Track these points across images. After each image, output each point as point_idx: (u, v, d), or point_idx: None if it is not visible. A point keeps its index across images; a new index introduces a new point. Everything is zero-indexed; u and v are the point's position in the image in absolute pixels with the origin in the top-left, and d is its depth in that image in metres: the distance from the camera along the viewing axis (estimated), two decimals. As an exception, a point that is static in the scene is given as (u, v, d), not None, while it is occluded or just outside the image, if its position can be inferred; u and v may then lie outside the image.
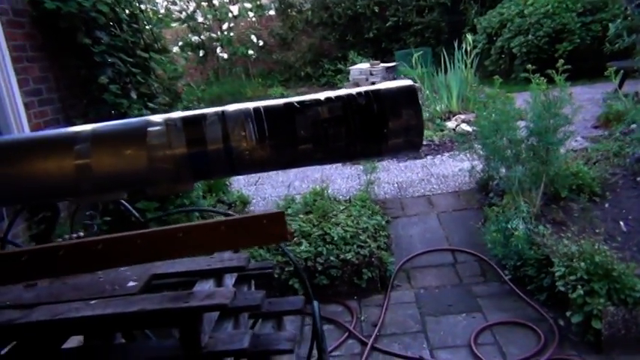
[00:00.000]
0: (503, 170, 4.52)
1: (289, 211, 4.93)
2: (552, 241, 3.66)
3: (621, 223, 4.11)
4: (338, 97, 1.40)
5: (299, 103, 1.40)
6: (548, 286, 3.62)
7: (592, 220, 3.99)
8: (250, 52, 11.20)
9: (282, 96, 11.48)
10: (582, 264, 3.08)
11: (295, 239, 4.40)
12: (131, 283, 1.64)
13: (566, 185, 4.53)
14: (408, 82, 1.46)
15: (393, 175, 5.94)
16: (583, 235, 3.71)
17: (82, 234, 2.07)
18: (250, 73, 12.09)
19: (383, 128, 1.39)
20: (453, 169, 5.75)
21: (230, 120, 1.37)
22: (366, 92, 1.40)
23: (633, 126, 5.91)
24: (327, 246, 4.23)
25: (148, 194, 1.58)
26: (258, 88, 11.24)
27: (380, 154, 1.46)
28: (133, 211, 2.05)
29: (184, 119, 1.39)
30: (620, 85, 7.13)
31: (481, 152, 4.81)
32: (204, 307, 1.43)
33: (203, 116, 1.39)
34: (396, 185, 5.59)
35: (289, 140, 1.38)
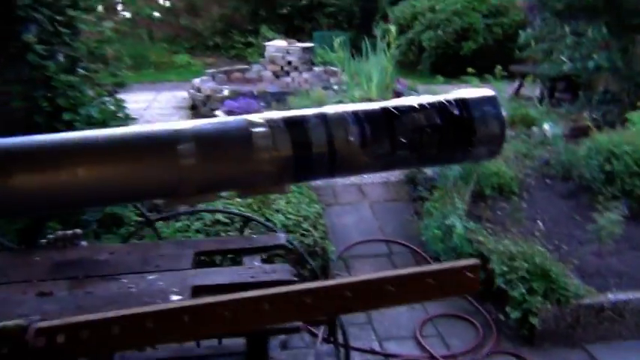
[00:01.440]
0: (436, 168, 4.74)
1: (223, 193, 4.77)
2: (489, 239, 3.93)
3: (539, 222, 4.52)
4: (432, 105, 1.41)
5: (395, 108, 1.39)
6: (482, 282, 3.89)
7: (517, 219, 4.35)
8: (156, 14, 10.49)
9: (189, 64, 10.95)
10: (525, 264, 3.35)
11: (236, 225, 4.27)
12: (174, 297, 1.50)
13: (489, 184, 4.88)
14: (490, 92, 1.49)
15: (321, 161, 5.94)
16: (508, 233, 4.05)
17: (79, 231, 1.85)
18: (154, 36, 11.34)
19: (471, 137, 1.42)
20: (379, 159, 5.89)
21: (333, 123, 1.35)
22: (456, 100, 1.42)
23: (534, 129, 6.50)
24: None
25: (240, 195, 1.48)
26: (163, 53, 10.59)
27: (462, 161, 1.49)
28: (143, 210, 1.86)
29: (286, 120, 1.33)
30: (519, 88, 7.79)
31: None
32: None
33: (304, 118, 1.35)
34: (326, 172, 5.60)
35: (389, 146, 1.38)
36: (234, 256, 2.02)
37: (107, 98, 4.38)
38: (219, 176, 1.29)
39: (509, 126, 6.98)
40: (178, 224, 4.56)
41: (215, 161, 1.26)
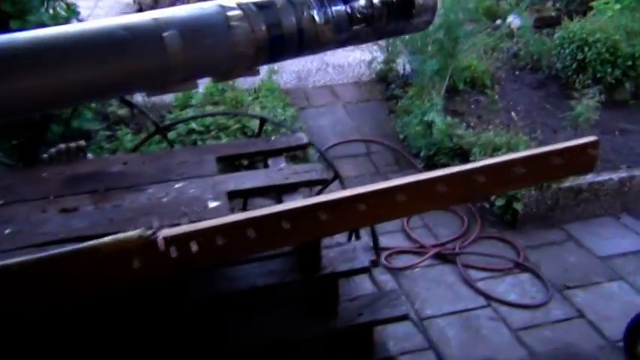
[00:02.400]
0: (415, 63, 4.66)
1: (193, 101, 4.55)
2: (468, 132, 3.98)
3: (512, 113, 4.59)
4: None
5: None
6: (463, 173, 3.99)
7: (493, 111, 4.40)
8: None
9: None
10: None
11: (212, 133, 4.13)
12: (212, 203, 1.43)
13: (462, 78, 4.87)
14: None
15: (288, 63, 5.74)
16: (485, 125, 4.12)
17: (82, 142, 1.72)
18: None
19: (411, 9, 1.56)
20: (347, 59, 5.75)
21: (299, 4, 1.39)
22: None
23: (499, 22, 6.43)
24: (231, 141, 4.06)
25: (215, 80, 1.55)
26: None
27: (404, 32, 1.81)
28: (150, 117, 1.72)
29: (257, 4, 1.34)
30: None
31: (381, 43, 4.87)
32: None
33: (273, 1, 1.38)
34: (294, 74, 5.44)
35: (348, 22, 1.47)
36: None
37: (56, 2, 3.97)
38: (203, 62, 1.29)
39: (474, 20, 6.90)
40: (128, 137, 4.37)
41: (198, 47, 1.25)
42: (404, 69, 5.08)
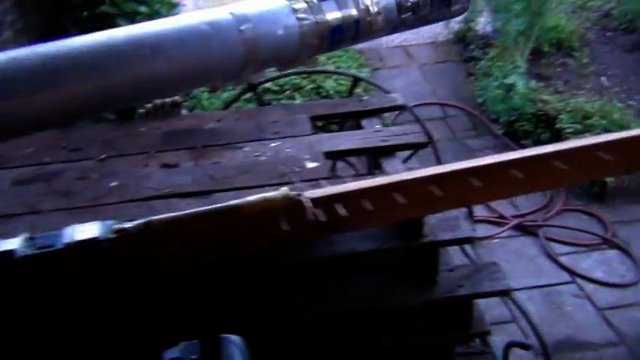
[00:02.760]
0: (498, 22, 4.42)
1: (267, 60, 4.54)
2: (554, 97, 3.75)
3: (603, 78, 4.29)
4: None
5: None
6: (547, 141, 3.79)
7: (582, 75, 4.12)
8: None
9: None
10: (603, 121, 3.21)
11: (286, 93, 4.11)
12: (310, 164, 1.39)
13: (548, 39, 4.56)
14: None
15: (362, 22, 5.57)
16: (574, 90, 3.86)
17: (178, 99, 1.71)
18: None
19: None
20: (423, 17, 5.50)
21: None
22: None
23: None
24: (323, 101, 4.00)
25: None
26: None
27: (442, 19, 1.86)
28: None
29: None
30: None
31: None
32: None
33: None
34: (368, 34, 5.27)
35: (397, 11, 1.56)
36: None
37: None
38: (275, 53, 1.39)
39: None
40: (225, 94, 4.40)
41: (272, 39, 1.34)
42: (484, 28, 4.82)
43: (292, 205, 0.69)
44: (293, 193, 0.71)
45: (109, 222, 0.69)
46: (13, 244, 0.65)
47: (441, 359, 1.48)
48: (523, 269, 2.95)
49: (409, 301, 1.35)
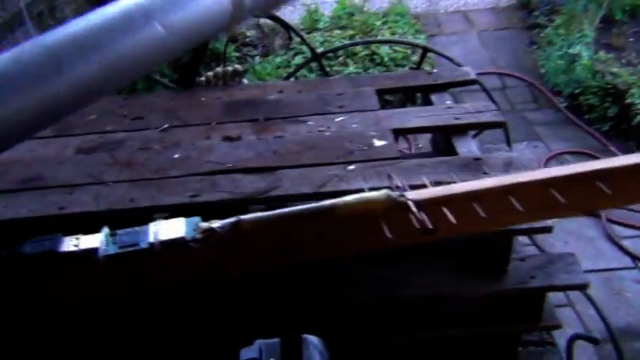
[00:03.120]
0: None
1: (320, 25, 4.40)
2: (626, 70, 3.51)
3: (680, 51, 3.98)
4: None
5: None
6: (614, 116, 3.57)
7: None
8: None
9: None
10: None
11: (340, 59, 3.99)
12: (378, 142, 1.32)
13: (621, 6, 4.26)
14: None
15: (418, -16, 5.34)
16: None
17: (239, 67, 1.65)
18: None
19: None
20: (484, -20, 5.24)
21: None
22: None
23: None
24: (377, 67, 3.88)
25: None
26: None
27: None
28: (308, 43, 1.62)
29: None
30: None
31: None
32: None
33: None
34: (425, -3, 5.06)
35: None
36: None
37: None
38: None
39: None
40: (278, 59, 4.32)
41: None
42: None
43: (394, 207, 0.63)
44: (395, 194, 0.65)
45: (195, 219, 0.65)
46: (96, 240, 0.62)
47: (506, 348, 1.42)
48: (581, 252, 2.79)
49: (477, 291, 1.28)
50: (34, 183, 1.25)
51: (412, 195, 0.64)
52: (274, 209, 1.31)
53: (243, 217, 0.62)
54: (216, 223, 0.62)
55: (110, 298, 0.65)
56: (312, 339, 0.78)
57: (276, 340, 0.74)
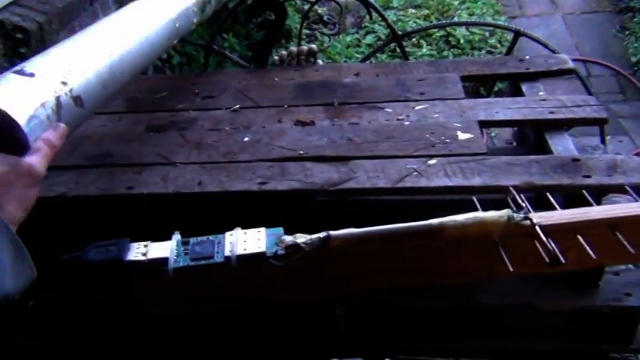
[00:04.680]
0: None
1: (394, 3, 4.25)
2: None
3: None
4: None
5: None
6: None
7: None
8: None
9: None
10: None
11: (413, 40, 3.84)
12: (463, 135, 1.21)
13: None
14: None
15: (500, -38, 5.05)
16: None
17: (314, 47, 1.57)
18: None
19: None
20: (573, -42, 4.88)
21: None
22: None
23: None
24: (452, 50, 3.70)
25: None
26: None
27: None
28: (389, 22, 1.52)
29: None
30: None
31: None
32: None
33: None
34: (507, -24, 4.78)
35: None
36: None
37: None
38: None
39: None
40: (348, 38, 4.21)
41: None
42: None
43: (516, 231, 0.54)
44: (519, 215, 0.55)
45: (277, 231, 0.58)
46: (166, 250, 0.56)
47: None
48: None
49: (562, 304, 1.16)
50: (103, 160, 1.23)
51: (538, 218, 0.54)
52: (346, 202, 1.24)
53: (333, 232, 0.54)
54: (301, 239, 0.55)
55: (177, 312, 0.59)
56: (394, 363, 0.71)
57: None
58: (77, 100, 0.96)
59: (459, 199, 1.14)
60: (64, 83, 0.94)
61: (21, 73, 0.90)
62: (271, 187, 1.12)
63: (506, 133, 3.62)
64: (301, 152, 1.21)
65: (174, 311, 0.58)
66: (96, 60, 1.04)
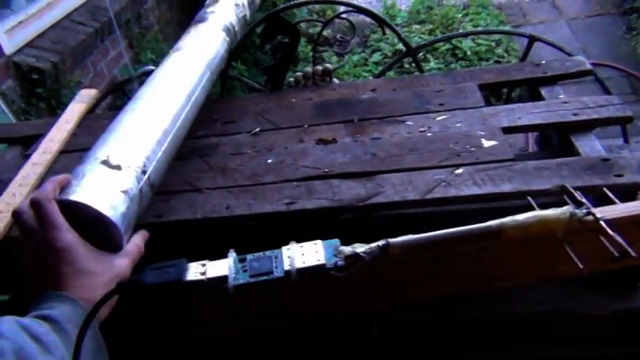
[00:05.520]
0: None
1: (398, 20, 4.28)
2: None
3: None
4: None
5: None
6: None
7: None
8: None
9: None
10: None
11: (420, 55, 3.85)
12: (488, 142, 1.20)
13: None
14: None
15: (500, -28, 5.10)
16: None
17: (329, 66, 1.58)
18: None
19: None
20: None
21: None
22: None
23: None
24: (460, 62, 3.71)
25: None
26: None
27: None
28: (403, 37, 1.52)
29: None
30: None
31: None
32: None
33: None
34: (508, -14, 4.82)
35: None
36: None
37: None
38: None
39: None
40: (355, 57, 4.25)
41: None
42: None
43: (579, 228, 0.53)
44: (581, 211, 0.54)
45: (334, 242, 0.58)
46: (224, 267, 0.56)
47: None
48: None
49: (600, 309, 1.14)
50: (130, 190, 1.23)
51: (602, 213, 0.53)
52: (373, 217, 1.23)
53: (392, 240, 0.54)
54: (360, 248, 0.54)
55: (236, 331, 0.58)
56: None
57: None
58: (152, 186, 1.04)
59: (487, 207, 1.14)
60: (144, 172, 1.00)
61: (108, 164, 0.96)
62: (299, 207, 1.12)
63: (520, 141, 3.60)
64: (326, 170, 1.21)
65: (231, 330, 0.58)
66: (161, 138, 1.12)
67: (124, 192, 0.93)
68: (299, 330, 1.20)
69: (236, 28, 1.60)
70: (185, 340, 0.64)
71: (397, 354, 1.14)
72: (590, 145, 1.19)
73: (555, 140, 1.34)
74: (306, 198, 1.14)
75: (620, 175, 1.05)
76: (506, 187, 1.07)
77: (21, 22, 2.95)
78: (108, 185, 0.93)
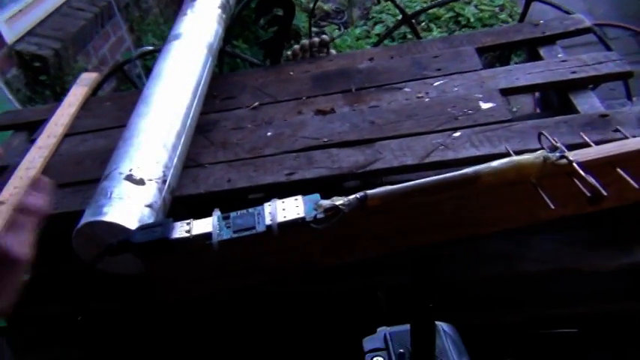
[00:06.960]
0: None
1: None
2: None
3: None
4: None
5: None
6: None
7: None
8: None
9: None
10: None
11: (422, 25, 3.82)
12: (485, 104, 1.20)
13: None
14: None
15: None
16: None
17: (326, 37, 1.57)
18: None
19: None
20: None
21: None
22: None
23: None
24: (463, 30, 3.67)
25: None
26: None
27: None
28: (398, 4, 1.51)
29: None
30: None
31: None
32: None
33: None
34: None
35: None
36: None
37: None
38: None
39: None
40: (357, 30, 4.21)
41: None
42: None
43: (553, 171, 0.53)
44: (554, 155, 0.55)
45: (314, 197, 0.59)
46: (208, 225, 0.57)
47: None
48: None
49: (609, 265, 1.14)
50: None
51: (575, 156, 0.54)
52: (374, 184, 1.24)
53: (370, 191, 0.55)
54: (339, 200, 0.56)
55: (221, 288, 0.60)
56: (444, 326, 0.70)
57: (404, 327, 0.68)
58: (173, 191, 1.06)
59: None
60: (164, 182, 1.03)
61: (132, 180, 0.99)
62: (300, 177, 1.13)
63: (527, 107, 3.57)
64: (325, 140, 1.22)
65: (219, 287, 0.59)
66: (175, 142, 1.15)
67: (149, 206, 0.96)
68: (310, 298, 1.23)
69: (230, 2, 1.60)
70: (177, 298, 0.67)
71: (403, 316, 1.16)
72: (589, 103, 1.18)
73: (555, 101, 1.33)
74: (306, 168, 1.15)
75: (618, 130, 1.04)
76: (505, 148, 1.07)
77: (20, 10, 2.95)
78: (134, 201, 0.96)
